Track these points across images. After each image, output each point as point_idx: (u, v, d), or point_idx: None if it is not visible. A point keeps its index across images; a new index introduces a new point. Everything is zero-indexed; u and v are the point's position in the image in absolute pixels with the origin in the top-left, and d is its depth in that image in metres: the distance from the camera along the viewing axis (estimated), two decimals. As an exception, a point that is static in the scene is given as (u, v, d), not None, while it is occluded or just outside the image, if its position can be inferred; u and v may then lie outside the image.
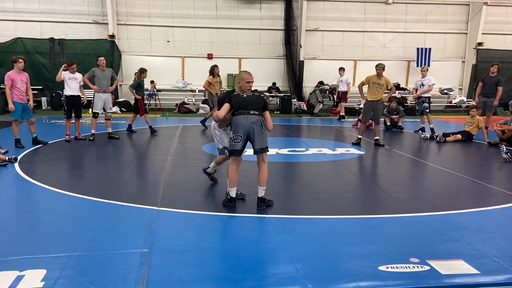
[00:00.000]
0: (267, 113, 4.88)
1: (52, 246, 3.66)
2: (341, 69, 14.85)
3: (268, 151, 4.86)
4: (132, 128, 10.83)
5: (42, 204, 5.12)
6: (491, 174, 7.16)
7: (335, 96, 17.27)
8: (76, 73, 9.20)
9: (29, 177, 6.10)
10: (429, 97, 11.18)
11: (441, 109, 17.91)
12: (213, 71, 11.11)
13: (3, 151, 7.47)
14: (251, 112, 4.73)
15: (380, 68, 9.03)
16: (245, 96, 4.85)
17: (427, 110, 11.02)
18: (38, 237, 3.92)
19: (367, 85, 9.29)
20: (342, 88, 14.73)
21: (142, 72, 10.40)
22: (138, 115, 10.68)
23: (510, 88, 17.57)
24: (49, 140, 9.02)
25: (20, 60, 8.27)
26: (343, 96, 14.79)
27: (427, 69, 11.24)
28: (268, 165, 4.89)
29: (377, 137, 9.37)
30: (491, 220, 4.71)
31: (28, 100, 8.48)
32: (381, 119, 10.59)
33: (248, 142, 4.82)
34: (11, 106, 8.11)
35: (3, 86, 15.42)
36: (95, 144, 9.10)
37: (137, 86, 10.41)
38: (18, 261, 3.35)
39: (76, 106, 9.26)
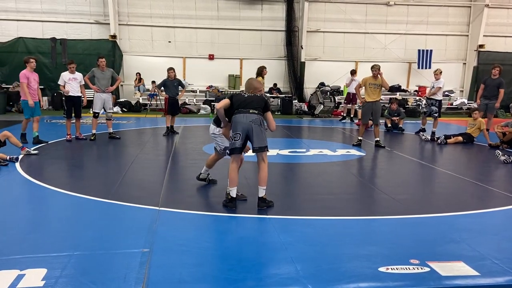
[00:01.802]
0: (268, 114, 4.90)
1: (53, 246, 3.66)
2: (354, 73, 14.71)
3: (268, 150, 4.87)
4: (174, 129, 10.70)
5: (43, 204, 5.13)
6: (492, 176, 7.16)
7: (336, 98, 17.30)
8: (76, 73, 9.18)
9: (30, 176, 6.11)
10: (439, 101, 10.92)
11: (442, 111, 17.86)
12: (262, 72, 11.48)
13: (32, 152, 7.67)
14: (250, 111, 4.75)
15: (375, 69, 9.05)
16: (246, 96, 4.90)
17: (436, 114, 10.81)
18: (39, 236, 3.92)
19: (363, 87, 9.35)
20: (352, 89, 14.30)
21: (167, 71, 10.36)
22: (170, 115, 10.56)
23: (511, 91, 17.57)
24: (50, 140, 9.06)
25: (32, 60, 8.75)
26: (354, 97, 14.47)
27: (440, 72, 10.90)
28: (268, 165, 4.90)
29: (378, 139, 9.38)
30: (491, 222, 4.71)
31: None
32: (382, 121, 10.65)
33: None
34: (31, 102, 8.55)
35: (5, 86, 15.62)
36: (96, 144, 9.11)
37: (163, 85, 10.38)
38: (19, 260, 3.35)
39: (75, 106, 9.24)
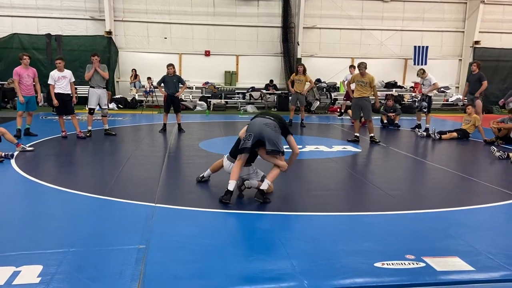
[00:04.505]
0: (290, 138, 5.14)
1: (48, 242, 3.65)
2: (352, 67, 14.72)
3: (282, 155, 5.01)
4: (181, 126, 10.62)
5: (38, 200, 5.10)
6: (487, 171, 7.20)
7: (332, 94, 17.31)
8: (65, 70, 9.09)
9: (25, 173, 6.09)
10: (429, 96, 11.12)
11: (438, 107, 17.96)
12: (297, 68, 11.86)
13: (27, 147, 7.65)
14: (266, 117, 4.97)
15: (362, 67, 9.20)
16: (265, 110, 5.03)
17: (425, 110, 11.02)
18: (35, 233, 3.91)
19: (354, 84, 9.55)
20: (354, 86, 14.44)
21: (167, 67, 10.25)
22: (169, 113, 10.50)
23: (507, 86, 17.61)
24: (46, 136, 9.07)
25: (25, 57, 9.01)
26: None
27: (424, 72, 11.18)
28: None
29: (372, 134, 9.41)
30: (486, 217, 4.74)
31: (36, 95, 9.28)
32: (377, 117, 10.67)
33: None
34: (21, 99, 8.84)
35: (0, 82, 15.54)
36: (92, 140, 9.08)
37: (163, 81, 10.30)
38: (14, 257, 3.34)
39: (65, 103, 9.15)
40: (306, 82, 11.90)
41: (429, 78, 10.99)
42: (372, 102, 9.64)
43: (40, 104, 15.82)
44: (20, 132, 8.93)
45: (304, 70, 11.82)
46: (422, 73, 11.18)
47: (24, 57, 8.93)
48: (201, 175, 5.73)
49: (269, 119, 4.96)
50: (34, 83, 9.13)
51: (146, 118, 13.53)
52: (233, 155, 5.17)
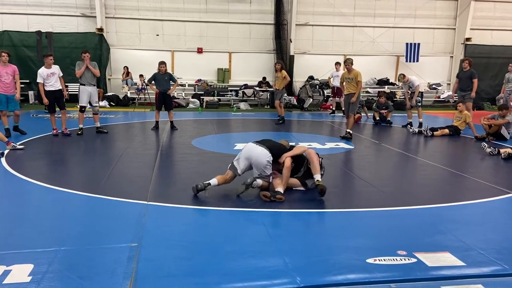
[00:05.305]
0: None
1: (39, 241, 3.62)
2: (337, 64, 14.70)
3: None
4: (174, 124, 10.54)
5: (29, 199, 5.07)
6: (478, 168, 7.25)
7: (325, 91, 17.33)
8: (53, 66, 8.99)
9: (16, 171, 6.03)
10: (421, 92, 11.36)
11: (430, 104, 18.07)
12: (275, 66, 12.19)
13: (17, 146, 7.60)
14: None
15: (348, 63, 9.31)
16: None
17: (419, 104, 11.26)
18: (25, 231, 3.88)
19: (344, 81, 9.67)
20: (337, 83, 14.31)
21: (158, 64, 10.18)
22: (162, 110, 10.40)
23: (498, 83, 17.74)
24: (36, 134, 8.99)
25: (3, 54, 8.63)
26: (338, 91, 14.44)
27: (404, 75, 11.41)
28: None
29: (349, 130, 9.44)
30: (477, 213, 4.77)
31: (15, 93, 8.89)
32: (370, 114, 10.68)
33: None
34: None
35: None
36: (83, 138, 9.02)
37: (154, 79, 10.24)
38: (4, 256, 3.31)
39: (57, 99, 9.10)
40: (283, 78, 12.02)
41: (411, 81, 11.20)
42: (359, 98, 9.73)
43: (30, 102, 15.73)
44: (9, 131, 8.78)
45: (282, 68, 12.02)
46: (403, 78, 11.42)
47: (2, 54, 8.60)
48: (205, 182, 5.03)
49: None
50: (15, 81, 8.83)
51: (138, 115, 13.46)
52: (268, 146, 5.17)
